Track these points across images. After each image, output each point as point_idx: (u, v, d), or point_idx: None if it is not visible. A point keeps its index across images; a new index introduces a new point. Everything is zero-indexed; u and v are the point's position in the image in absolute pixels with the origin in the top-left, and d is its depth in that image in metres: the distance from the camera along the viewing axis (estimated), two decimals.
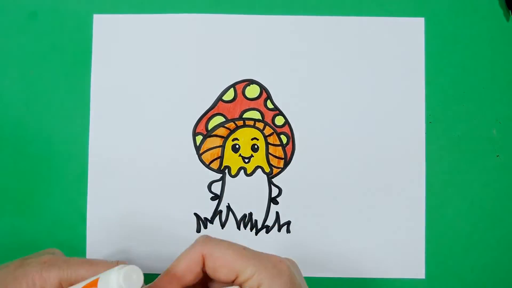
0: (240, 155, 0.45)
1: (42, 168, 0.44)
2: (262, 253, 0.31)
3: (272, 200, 0.44)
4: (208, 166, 0.44)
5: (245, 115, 0.45)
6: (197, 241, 0.31)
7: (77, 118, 0.45)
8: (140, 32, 0.45)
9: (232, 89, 0.45)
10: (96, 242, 0.44)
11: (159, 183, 0.44)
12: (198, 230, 0.44)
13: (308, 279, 0.43)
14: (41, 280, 0.33)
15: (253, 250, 0.31)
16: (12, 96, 0.45)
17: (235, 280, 0.30)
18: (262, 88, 0.45)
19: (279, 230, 0.44)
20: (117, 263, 0.34)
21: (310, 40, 0.45)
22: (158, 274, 0.44)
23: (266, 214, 0.44)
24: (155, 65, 0.45)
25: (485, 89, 0.45)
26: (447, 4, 0.45)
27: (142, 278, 0.29)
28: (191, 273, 0.30)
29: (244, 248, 0.30)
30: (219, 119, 0.44)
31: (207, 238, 0.31)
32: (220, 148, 0.44)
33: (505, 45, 0.45)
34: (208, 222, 0.44)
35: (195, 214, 0.44)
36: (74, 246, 0.43)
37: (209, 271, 0.30)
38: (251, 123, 0.45)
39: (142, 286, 0.30)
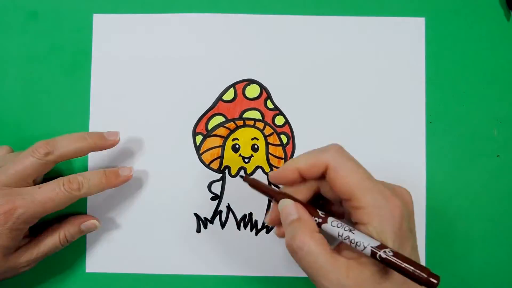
0: (240, 155, 0.44)
1: None
2: (384, 188, 0.31)
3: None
4: (208, 166, 0.44)
5: (245, 115, 0.45)
6: (330, 148, 0.32)
7: (77, 118, 0.45)
8: (140, 32, 0.45)
9: (232, 89, 0.45)
10: (96, 242, 0.44)
11: (159, 183, 0.44)
12: (198, 230, 0.44)
13: (306, 279, 0.43)
14: None
15: (377, 183, 0.31)
16: (12, 96, 0.45)
17: (345, 201, 0.31)
18: (262, 88, 0.45)
19: None
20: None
21: (310, 40, 0.45)
22: (158, 274, 0.44)
23: (266, 214, 0.44)
24: (155, 65, 0.45)
25: (485, 89, 0.45)
26: (447, 4, 0.45)
27: None
28: (312, 173, 0.32)
29: (369, 178, 0.31)
30: (219, 119, 0.44)
31: (338, 149, 0.32)
32: (220, 148, 0.44)
33: (505, 45, 0.45)
34: (208, 222, 0.44)
35: (195, 214, 0.44)
36: (74, 246, 0.43)
37: (327, 179, 0.31)
38: (251, 123, 0.45)
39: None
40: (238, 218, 0.44)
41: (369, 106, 0.44)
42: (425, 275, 0.27)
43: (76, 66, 0.45)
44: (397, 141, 0.44)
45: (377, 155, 0.44)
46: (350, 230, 0.30)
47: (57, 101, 0.45)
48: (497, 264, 0.44)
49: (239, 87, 0.45)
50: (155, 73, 0.45)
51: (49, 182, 0.38)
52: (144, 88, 0.45)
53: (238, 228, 0.44)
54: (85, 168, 0.44)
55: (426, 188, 0.44)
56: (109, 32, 0.45)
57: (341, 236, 0.30)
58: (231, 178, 0.44)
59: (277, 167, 0.44)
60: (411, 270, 0.28)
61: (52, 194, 0.37)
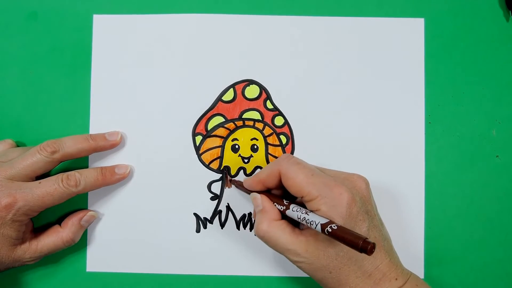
0: (239, 155, 0.45)
1: None
2: (329, 180, 0.37)
3: None
4: (207, 166, 0.44)
5: (244, 116, 0.45)
6: (279, 158, 0.39)
7: (77, 118, 0.45)
8: (140, 32, 0.45)
9: (231, 89, 0.45)
10: (96, 242, 0.44)
11: (159, 183, 0.44)
12: (198, 230, 0.44)
13: (306, 279, 0.43)
14: None
15: (321, 177, 0.37)
16: (12, 96, 0.45)
17: (300, 198, 0.37)
18: (262, 88, 0.45)
19: None
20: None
21: (310, 40, 0.45)
22: (158, 274, 0.45)
23: None
24: (155, 65, 0.45)
25: (484, 90, 0.45)
26: (447, 5, 0.45)
27: None
28: (271, 181, 0.39)
29: (313, 175, 0.37)
30: (218, 120, 0.45)
31: (287, 158, 0.39)
32: (220, 148, 0.44)
33: (505, 45, 0.45)
34: (207, 222, 0.44)
35: (195, 214, 0.44)
36: (74, 246, 0.43)
37: (283, 184, 0.38)
38: (251, 123, 0.45)
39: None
40: (238, 218, 0.44)
41: (368, 106, 0.45)
42: (360, 242, 0.31)
43: (76, 66, 0.45)
44: (397, 142, 0.44)
45: (376, 155, 0.44)
46: (306, 213, 0.36)
47: (57, 101, 0.45)
48: (496, 264, 0.44)
49: (239, 87, 0.45)
50: (155, 73, 0.45)
51: (49, 178, 0.40)
52: (144, 88, 0.45)
53: (238, 228, 0.44)
54: (85, 166, 0.44)
55: (425, 188, 0.44)
56: (109, 32, 0.45)
57: (300, 218, 0.36)
58: (230, 178, 0.44)
59: None
60: (348, 239, 0.32)
61: (51, 189, 0.39)
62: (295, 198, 0.40)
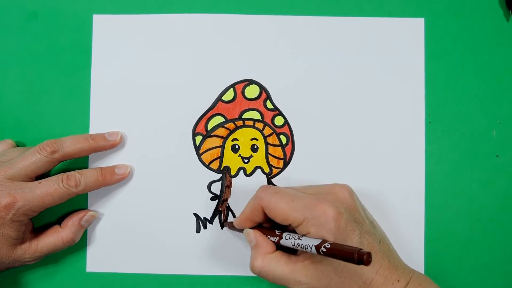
0: (239, 155, 0.45)
1: None
2: (310, 201, 0.37)
3: None
4: (207, 166, 0.44)
5: (244, 115, 0.45)
6: (257, 192, 0.39)
7: (77, 118, 0.45)
8: (140, 32, 0.45)
9: (231, 89, 0.45)
10: (96, 242, 0.44)
11: (159, 183, 0.44)
12: (198, 230, 0.44)
13: None
14: None
15: (302, 199, 0.37)
16: (12, 96, 0.45)
17: (289, 225, 0.37)
18: (262, 88, 0.45)
19: None
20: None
21: (310, 40, 0.45)
22: (158, 274, 0.45)
23: None
24: (155, 65, 0.45)
25: (485, 90, 0.45)
26: (447, 5, 0.45)
27: None
28: (257, 216, 0.39)
29: (293, 200, 0.37)
30: (218, 119, 0.45)
31: (265, 189, 0.39)
32: (220, 148, 0.44)
33: (505, 45, 0.45)
34: (207, 222, 0.44)
35: (195, 214, 0.44)
36: (74, 246, 0.43)
37: (269, 216, 0.38)
38: (251, 123, 0.45)
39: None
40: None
41: (368, 106, 0.44)
42: (355, 255, 0.31)
43: (76, 66, 0.45)
44: (397, 142, 0.44)
45: (376, 155, 0.44)
46: (298, 238, 0.36)
47: (57, 101, 0.45)
48: (496, 264, 0.44)
49: (239, 87, 0.45)
50: (154, 73, 0.45)
51: (49, 178, 0.40)
52: (144, 88, 0.45)
53: None
54: (85, 166, 0.44)
55: (425, 188, 0.44)
56: (109, 32, 0.45)
57: (294, 245, 0.36)
58: (230, 178, 0.44)
59: (276, 167, 0.44)
60: (343, 255, 0.32)
61: (51, 189, 0.39)
62: (287, 227, 0.39)
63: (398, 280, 0.37)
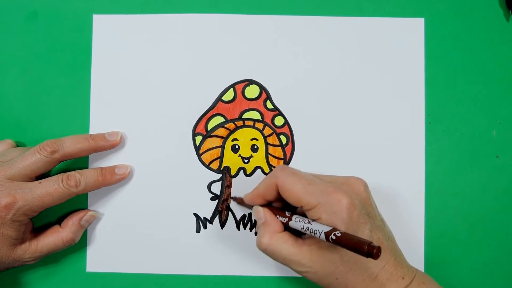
0: (239, 155, 0.45)
1: None
2: (326, 187, 0.37)
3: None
4: (207, 166, 0.44)
5: (244, 116, 0.45)
6: (274, 170, 0.39)
7: (77, 118, 0.45)
8: (140, 32, 0.45)
9: (231, 89, 0.45)
10: (96, 242, 0.44)
11: (159, 183, 0.44)
12: (198, 230, 0.44)
13: (306, 279, 0.43)
14: None
15: (319, 184, 0.37)
16: (12, 96, 0.45)
17: (299, 208, 0.37)
18: (262, 88, 0.45)
19: None
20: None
21: (310, 40, 0.45)
22: (158, 274, 0.45)
23: None
24: (155, 65, 0.45)
25: (485, 90, 0.45)
26: (447, 4, 0.45)
27: None
28: (270, 194, 0.39)
29: (310, 183, 0.37)
30: (218, 120, 0.45)
31: (282, 169, 0.38)
32: (220, 148, 0.44)
33: (505, 45, 0.45)
34: (207, 222, 0.44)
35: (195, 214, 0.44)
36: (74, 246, 0.43)
37: (282, 196, 0.38)
38: (251, 123, 0.45)
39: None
40: (238, 218, 0.44)
41: (368, 106, 0.45)
42: (365, 247, 0.31)
43: (76, 66, 0.45)
44: (397, 142, 0.44)
45: (376, 155, 0.44)
46: (309, 222, 0.36)
47: (57, 101, 0.45)
48: (496, 264, 0.44)
49: (239, 87, 0.45)
50: (155, 73, 0.45)
51: (49, 178, 0.40)
52: (144, 88, 0.45)
53: (238, 228, 0.44)
54: (85, 166, 0.44)
55: (425, 188, 0.44)
56: (109, 32, 0.45)
57: (303, 228, 0.36)
58: (230, 178, 0.44)
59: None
60: (353, 245, 0.32)
61: (51, 189, 0.39)
62: (296, 209, 0.40)
63: (403, 278, 0.37)
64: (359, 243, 0.32)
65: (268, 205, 0.40)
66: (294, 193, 0.37)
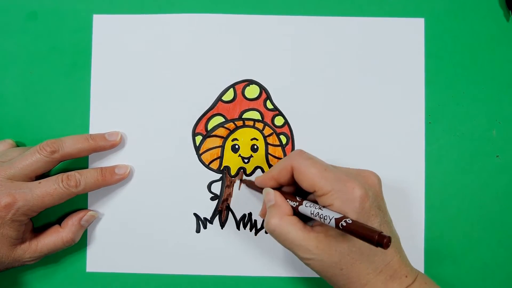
0: (239, 155, 0.45)
1: None
2: (342, 175, 0.37)
3: None
4: (207, 166, 0.44)
5: (244, 116, 0.45)
6: (292, 153, 0.39)
7: (77, 118, 0.45)
8: (140, 32, 0.45)
9: (231, 89, 0.45)
10: (96, 242, 0.44)
11: (159, 183, 0.44)
12: (198, 230, 0.44)
13: (306, 280, 0.43)
14: None
15: (334, 172, 0.37)
16: (12, 96, 0.45)
17: (312, 192, 0.37)
18: (262, 88, 0.45)
19: None
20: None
21: (310, 41, 0.45)
22: (158, 274, 0.45)
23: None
24: (155, 65, 0.45)
25: (485, 90, 0.45)
26: (447, 5, 0.45)
27: None
28: (283, 177, 0.39)
29: (326, 169, 0.37)
30: (218, 120, 0.45)
31: (299, 153, 0.38)
32: (220, 148, 0.44)
33: (505, 45, 0.45)
34: (207, 222, 0.44)
35: (195, 214, 0.44)
36: (74, 246, 0.43)
37: (295, 179, 0.38)
38: (251, 123, 0.45)
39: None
40: (238, 218, 0.44)
41: (368, 106, 0.45)
42: (376, 236, 0.31)
43: (76, 66, 0.45)
44: (397, 142, 0.44)
45: (376, 155, 0.44)
46: (320, 208, 0.36)
47: (57, 101, 0.45)
48: (496, 264, 0.44)
49: (239, 87, 0.45)
50: (155, 73, 0.45)
51: (49, 178, 0.40)
52: (144, 88, 0.45)
53: (238, 228, 0.44)
54: (85, 166, 0.44)
55: (425, 188, 0.44)
56: (109, 32, 0.45)
57: (313, 213, 0.36)
58: (230, 178, 0.44)
59: None
60: (363, 233, 0.32)
61: (51, 189, 0.39)
62: (307, 195, 0.40)
63: (406, 276, 0.37)
64: (370, 231, 0.31)
65: (278, 190, 0.40)
66: (310, 177, 0.37)
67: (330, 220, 0.34)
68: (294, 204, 0.38)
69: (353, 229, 0.33)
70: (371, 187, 0.38)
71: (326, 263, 0.36)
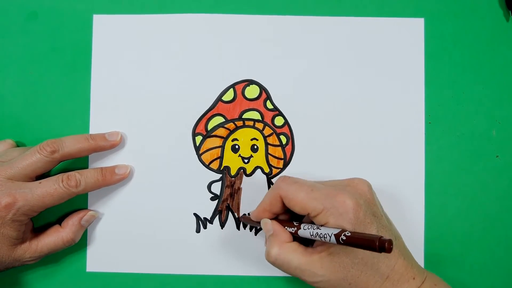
0: (239, 155, 0.45)
1: None
2: (330, 190, 0.37)
3: None
4: (207, 166, 0.44)
5: (244, 116, 0.45)
6: (276, 182, 0.39)
7: (77, 118, 0.45)
8: (140, 32, 0.45)
9: (231, 89, 0.45)
10: (96, 242, 0.44)
11: (159, 183, 0.44)
12: (198, 230, 0.44)
13: None
14: None
15: (322, 189, 0.37)
16: (12, 96, 0.45)
17: (306, 216, 0.37)
18: (262, 88, 0.45)
19: None
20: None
21: (310, 40, 0.45)
22: (158, 274, 0.45)
23: None
24: (155, 65, 0.45)
25: (484, 90, 0.45)
26: (447, 5, 0.45)
27: None
28: (275, 206, 0.39)
29: (313, 190, 0.37)
30: (218, 120, 0.45)
31: (283, 179, 0.39)
32: (220, 148, 0.45)
33: (505, 45, 0.45)
34: (207, 222, 0.44)
35: (195, 214, 0.44)
36: (74, 246, 0.43)
37: (287, 206, 0.38)
38: (251, 123, 0.45)
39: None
40: (238, 218, 0.44)
41: (368, 106, 0.45)
42: (376, 241, 0.31)
43: (76, 66, 0.45)
44: (396, 142, 0.44)
45: (376, 155, 0.44)
46: (317, 228, 0.36)
47: (57, 101, 0.45)
48: (496, 264, 0.44)
49: (239, 87, 0.45)
50: (154, 73, 0.45)
51: (49, 178, 0.40)
52: (144, 88, 0.45)
53: (238, 228, 0.44)
54: (85, 166, 0.44)
55: (425, 188, 0.44)
56: (109, 32, 0.45)
57: (312, 235, 0.36)
58: (230, 178, 0.44)
59: (276, 168, 0.44)
60: (364, 242, 0.32)
61: (51, 189, 0.39)
62: (303, 219, 0.40)
63: (414, 278, 0.37)
64: (370, 239, 0.31)
65: (275, 219, 0.40)
66: (299, 201, 0.37)
67: (330, 237, 0.34)
68: (292, 230, 0.38)
69: (353, 241, 0.33)
70: (361, 195, 0.38)
71: (334, 281, 0.36)
